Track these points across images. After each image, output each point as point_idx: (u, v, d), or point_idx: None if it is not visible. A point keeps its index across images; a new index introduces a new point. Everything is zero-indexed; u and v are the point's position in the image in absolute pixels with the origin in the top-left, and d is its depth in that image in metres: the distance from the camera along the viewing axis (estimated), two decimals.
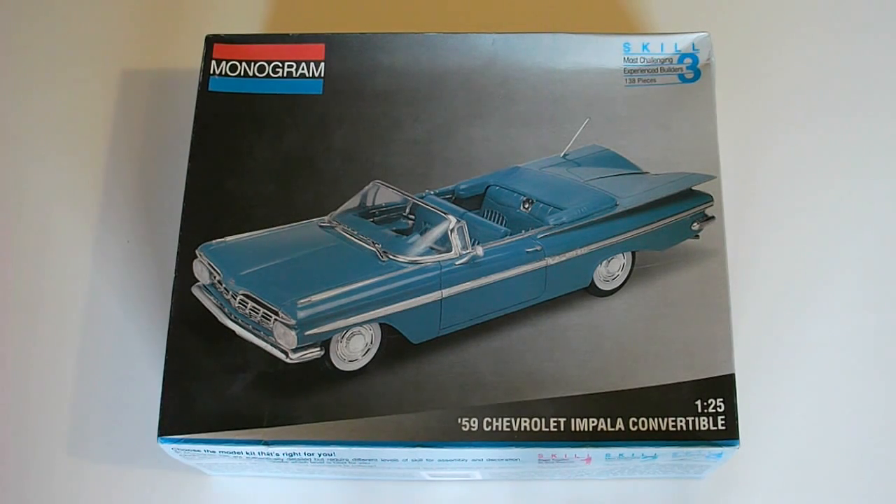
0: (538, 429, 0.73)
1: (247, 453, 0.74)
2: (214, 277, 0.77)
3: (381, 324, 0.75)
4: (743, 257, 0.85)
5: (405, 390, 0.74)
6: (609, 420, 0.73)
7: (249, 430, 0.73)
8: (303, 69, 0.83)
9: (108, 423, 0.83)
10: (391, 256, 0.77)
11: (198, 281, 0.77)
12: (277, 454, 0.74)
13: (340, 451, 0.73)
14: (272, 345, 0.74)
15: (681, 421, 0.73)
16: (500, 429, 0.73)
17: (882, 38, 0.93)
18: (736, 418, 0.73)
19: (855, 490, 0.81)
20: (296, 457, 0.74)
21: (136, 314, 0.86)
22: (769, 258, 0.86)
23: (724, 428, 0.72)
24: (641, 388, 0.73)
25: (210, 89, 0.82)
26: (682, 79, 0.81)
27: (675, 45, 0.82)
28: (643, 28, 0.93)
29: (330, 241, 0.78)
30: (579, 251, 0.79)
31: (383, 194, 0.80)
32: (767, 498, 0.81)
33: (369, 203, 0.80)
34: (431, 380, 0.74)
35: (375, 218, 0.80)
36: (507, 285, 0.77)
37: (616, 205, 0.80)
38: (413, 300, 0.75)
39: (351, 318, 0.74)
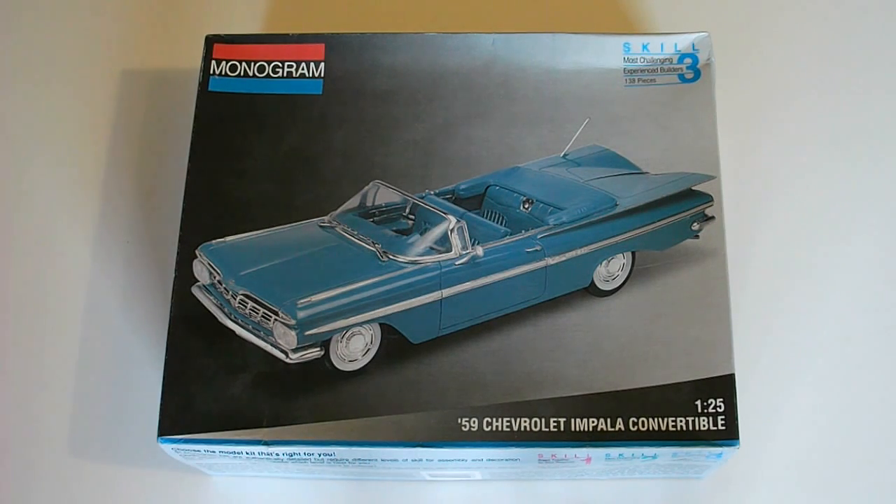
0: (538, 429, 0.73)
1: (247, 453, 0.74)
2: (214, 277, 0.77)
3: (381, 324, 0.75)
4: (743, 257, 0.85)
5: (405, 390, 0.74)
6: (609, 420, 0.73)
7: (249, 430, 0.73)
8: (303, 69, 0.83)
9: (108, 423, 0.83)
10: (391, 256, 0.77)
11: (198, 281, 0.77)
12: (277, 454, 0.74)
13: (340, 451, 0.73)
14: (272, 345, 0.74)
15: (681, 421, 0.73)
16: (500, 429, 0.73)
17: (883, 38, 0.93)
18: (736, 418, 0.73)
19: (855, 490, 0.81)
20: (296, 457, 0.74)
21: (136, 314, 0.86)
22: (769, 258, 0.86)
23: (723, 428, 0.72)
24: (641, 388, 0.73)
25: (210, 89, 0.82)
26: (682, 79, 0.81)
27: (675, 45, 0.82)
28: (643, 28, 0.93)
29: (330, 241, 0.78)
30: (579, 251, 0.79)
31: (383, 194, 0.80)
32: (767, 498, 0.81)
33: (369, 203, 0.80)
34: (431, 380, 0.74)
35: (375, 218, 0.80)
36: (507, 285, 0.77)
37: (616, 205, 0.80)
38: (413, 300, 0.75)
39: (351, 319, 0.74)
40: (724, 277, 0.76)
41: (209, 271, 0.77)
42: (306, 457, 0.74)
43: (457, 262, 0.77)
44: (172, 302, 0.76)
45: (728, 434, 0.72)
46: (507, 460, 0.75)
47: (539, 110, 0.81)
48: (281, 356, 0.74)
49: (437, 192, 0.80)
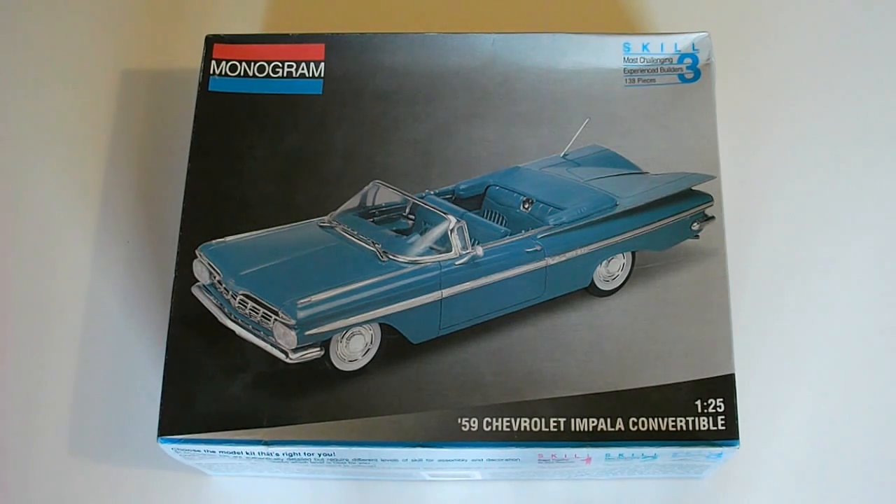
0: (538, 429, 0.73)
1: (247, 453, 0.74)
2: (214, 277, 0.77)
3: (381, 324, 0.75)
4: (743, 257, 0.85)
5: (405, 390, 0.74)
6: (609, 420, 0.73)
7: (249, 430, 0.73)
8: (303, 69, 0.83)
9: (108, 423, 0.83)
10: (391, 256, 0.77)
11: (198, 281, 0.77)
12: (277, 454, 0.74)
13: (340, 451, 0.73)
14: (272, 345, 0.74)
15: (681, 421, 0.73)
16: (500, 429, 0.73)
17: (883, 38, 0.93)
18: (736, 418, 0.73)
19: (855, 490, 0.81)
20: (296, 457, 0.74)
21: (136, 314, 0.86)
22: (769, 258, 0.86)
23: (723, 428, 0.72)
24: (641, 388, 0.73)
25: (210, 89, 0.82)
26: (682, 79, 0.81)
27: (675, 45, 0.82)
28: (643, 28, 0.93)
29: (330, 241, 0.78)
30: (579, 251, 0.79)
31: (383, 194, 0.80)
32: (767, 498, 0.81)
33: (369, 203, 0.80)
34: (431, 380, 0.74)
35: (375, 218, 0.80)
36: (507, 285, 0.77)
37: (616, 205, 0.80)
38: (413, 300, 0.75)
39: (351, 319, 0.74)
40: (724, 277, 0.76)
41: (209, 271, 0.77)
42: (306, 457, 0.74)
43: (457, 262, 0.77)
44: (172, 302, 0.76)
45: (728, 434, 0.72)
46: (507, 460, 0.75)
47: (539, 110, 0.81)
48: (281, 356, 0.74)
49: (437, 192, 0.80)
